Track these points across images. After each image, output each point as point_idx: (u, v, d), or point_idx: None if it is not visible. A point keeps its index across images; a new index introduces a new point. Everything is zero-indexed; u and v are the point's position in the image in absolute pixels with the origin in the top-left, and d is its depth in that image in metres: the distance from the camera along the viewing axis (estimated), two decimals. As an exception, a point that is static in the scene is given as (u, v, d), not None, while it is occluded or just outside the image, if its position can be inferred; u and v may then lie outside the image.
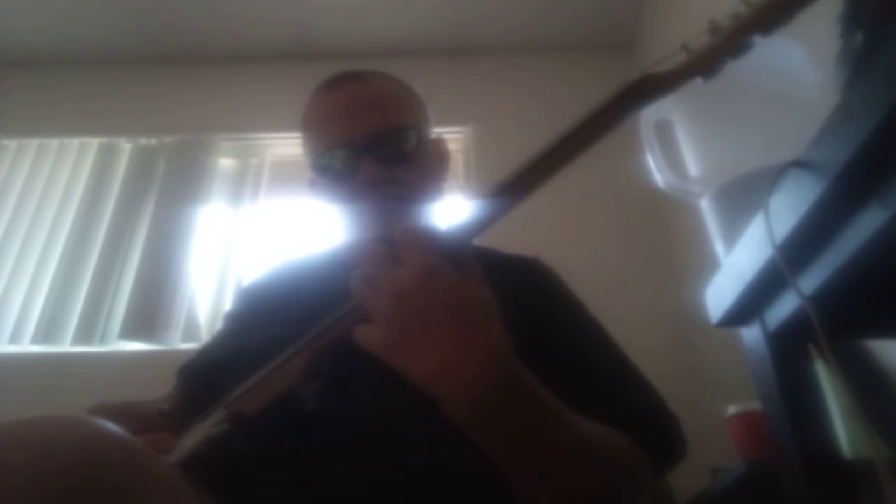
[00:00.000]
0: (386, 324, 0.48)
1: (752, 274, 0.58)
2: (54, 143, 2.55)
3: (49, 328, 2.17)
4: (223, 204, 2.46)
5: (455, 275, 0.48)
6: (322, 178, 0.81)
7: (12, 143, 2.55)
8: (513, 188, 0.51)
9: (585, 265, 1.51)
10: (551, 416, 0.50)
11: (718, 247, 0.91)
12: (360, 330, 0.50)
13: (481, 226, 0.52)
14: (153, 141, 2.54)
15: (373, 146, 0.76)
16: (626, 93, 0.51)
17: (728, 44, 0.50)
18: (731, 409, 1.31)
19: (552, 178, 0.52)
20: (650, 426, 0.62)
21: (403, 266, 0.48)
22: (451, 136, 2.43)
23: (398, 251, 0.49)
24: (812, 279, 0.53)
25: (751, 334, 0.67)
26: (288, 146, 2.49)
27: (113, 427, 0.39)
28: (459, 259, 0.50)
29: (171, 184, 2.43)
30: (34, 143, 2.55)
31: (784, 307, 0.60)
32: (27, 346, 2.16)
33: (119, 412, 0.56)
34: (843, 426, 0.60)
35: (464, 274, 0.49)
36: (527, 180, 0.51)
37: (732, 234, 0.83)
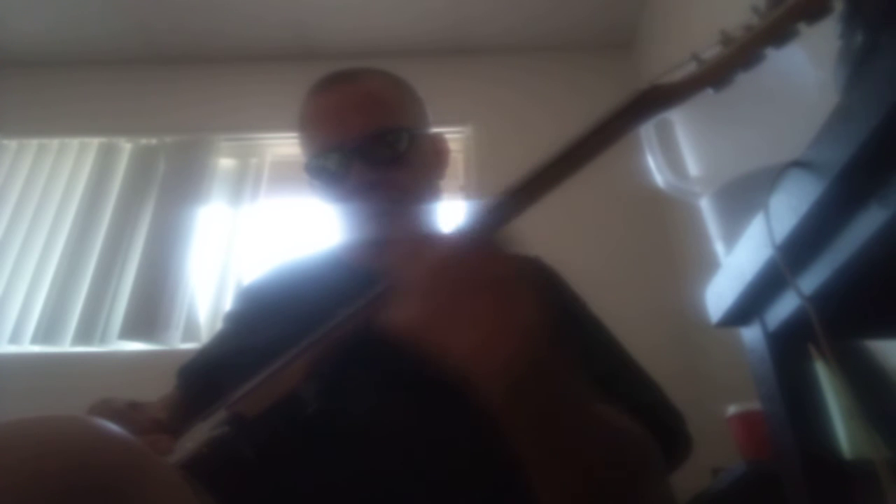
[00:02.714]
0: (423, 299, 0.46)
1: (752, 274, 0.58)
2: (54, 143, 2.54)
3: (49, 328, 2.17)
4: (223, 204, 2.46)
5: (496, 249, 0.48)
6: (316, 180, 0.81)
7: (12, 143, 2.55)
8: (515, 197, 0.51)
9: (585, 265, 1.50)
10: (580, 397, 0.48)
11: (718, 247, 0.91)
12: (391, 311, 0.48)
13: (483, 232, 0.51)
14: (153, 141, 2.54)
15: (363, 148, 0.75)
16: (635, 103, 0.51)
17: (741, 56, 0.49)
18: (731, 409, 1.31)
19: (557, 187, 0.51)
20: (654, 422, 0.61)
21: (442, 241, 0.47)
22: (451, 136, 2.43)
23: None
24: (812, 279, 0.53)
25: (751, 334, 0.67)
26: (288, 146, 2.48)
27: (113, 427, 0.39)
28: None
29: (171, 184, 2.43)
30: (34, 143, 2.55)
31: (784, 307, 0.60)
32: (27, 346, 2.16)
33: (123, 413, 0.56)
34: (843, 426, 0.60)
35: (501, 250, 0.48)
36: (532, 189, 0.51)
37: (732, 234, 0.83)
